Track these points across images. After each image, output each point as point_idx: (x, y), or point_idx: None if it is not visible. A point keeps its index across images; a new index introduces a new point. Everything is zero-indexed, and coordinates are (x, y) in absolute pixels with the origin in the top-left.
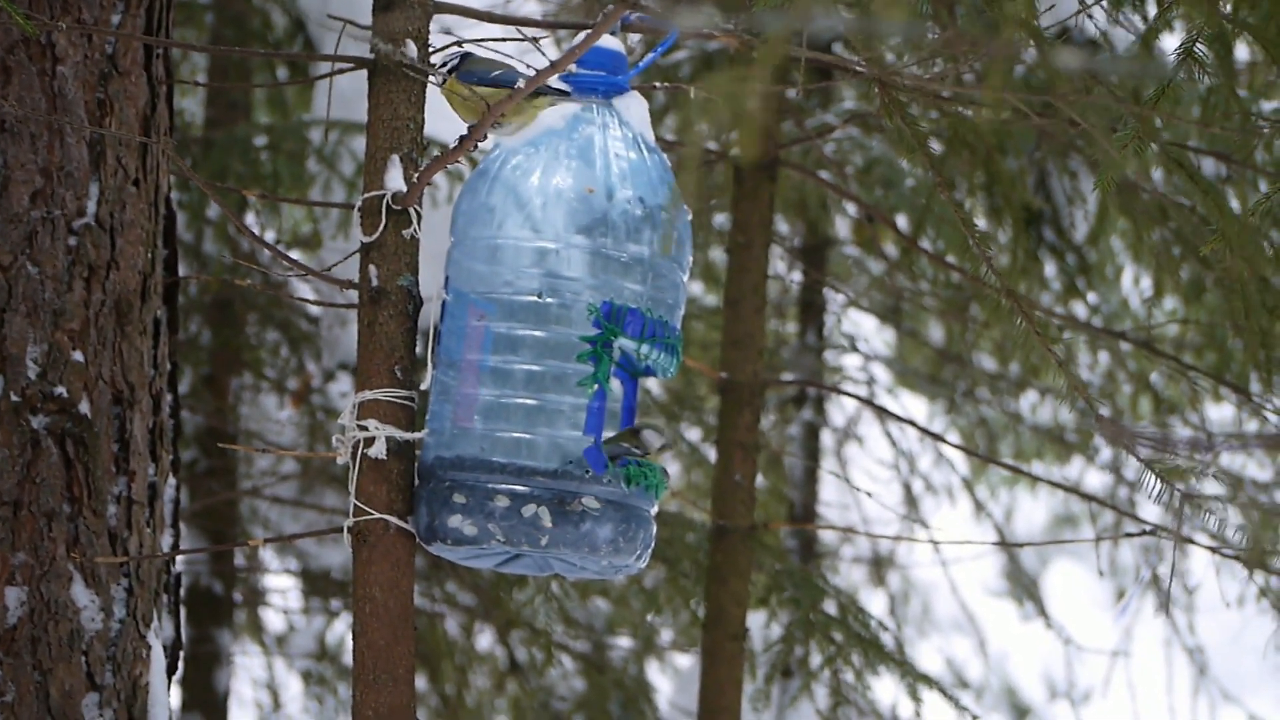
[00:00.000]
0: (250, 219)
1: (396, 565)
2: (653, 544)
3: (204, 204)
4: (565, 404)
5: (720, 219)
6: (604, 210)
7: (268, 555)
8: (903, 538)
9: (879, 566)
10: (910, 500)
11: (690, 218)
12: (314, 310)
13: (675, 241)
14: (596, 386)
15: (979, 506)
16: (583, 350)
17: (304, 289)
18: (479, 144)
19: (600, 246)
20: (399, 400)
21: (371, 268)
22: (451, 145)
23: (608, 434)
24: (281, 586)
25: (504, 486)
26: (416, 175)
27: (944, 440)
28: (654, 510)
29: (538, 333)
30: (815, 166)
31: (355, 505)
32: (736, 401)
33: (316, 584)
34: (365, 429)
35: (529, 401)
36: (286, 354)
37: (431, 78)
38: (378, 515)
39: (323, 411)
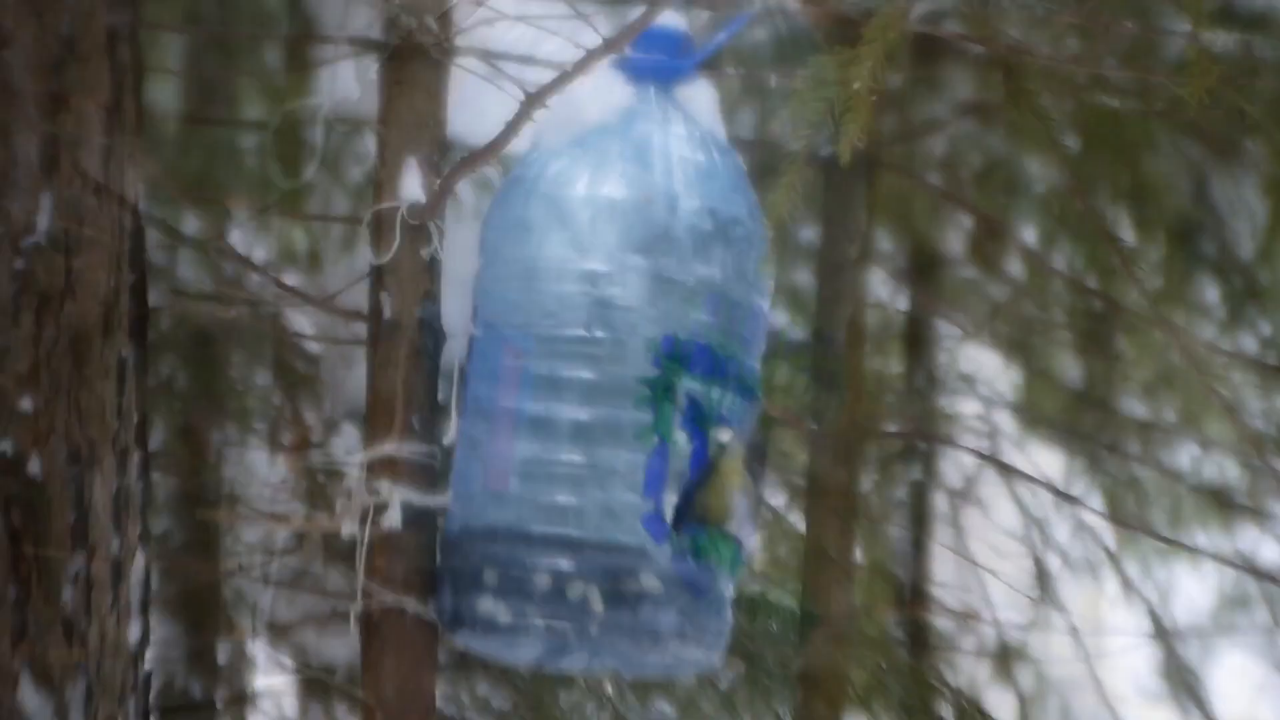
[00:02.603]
0: (236, 235)
1: (415, 660)
2: (728, 634)
3: (180, 217)
4: (620, 461)
5: (808, 233)
6: (665, 224)
7: (257, 649)
8: (1035, 625)
9: (1006, 660)
10: (1043, 579)
11: (772, 233)
12: (314, 347)
13: (753, 262)
14: (657, 439)
15: (1129, 586)
16: (640, 395)
17: (302, 321)
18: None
19: (661, 268)
20: (417, 457)
21: (383, 295)
22: (480, 146)
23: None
24: (274, 688)
25: (545, 562)
26: (438, 183)
27: (1084, 505)
28: (730, 592)
29: (586, 374)
30: (922, 169)
31: (364, 586)
32: (829, 458)
33: (316, 684)
34: (377, 493)
35: (575, 459)
36: (280, 401)
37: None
38: (392, 598)
39: (324, 472)
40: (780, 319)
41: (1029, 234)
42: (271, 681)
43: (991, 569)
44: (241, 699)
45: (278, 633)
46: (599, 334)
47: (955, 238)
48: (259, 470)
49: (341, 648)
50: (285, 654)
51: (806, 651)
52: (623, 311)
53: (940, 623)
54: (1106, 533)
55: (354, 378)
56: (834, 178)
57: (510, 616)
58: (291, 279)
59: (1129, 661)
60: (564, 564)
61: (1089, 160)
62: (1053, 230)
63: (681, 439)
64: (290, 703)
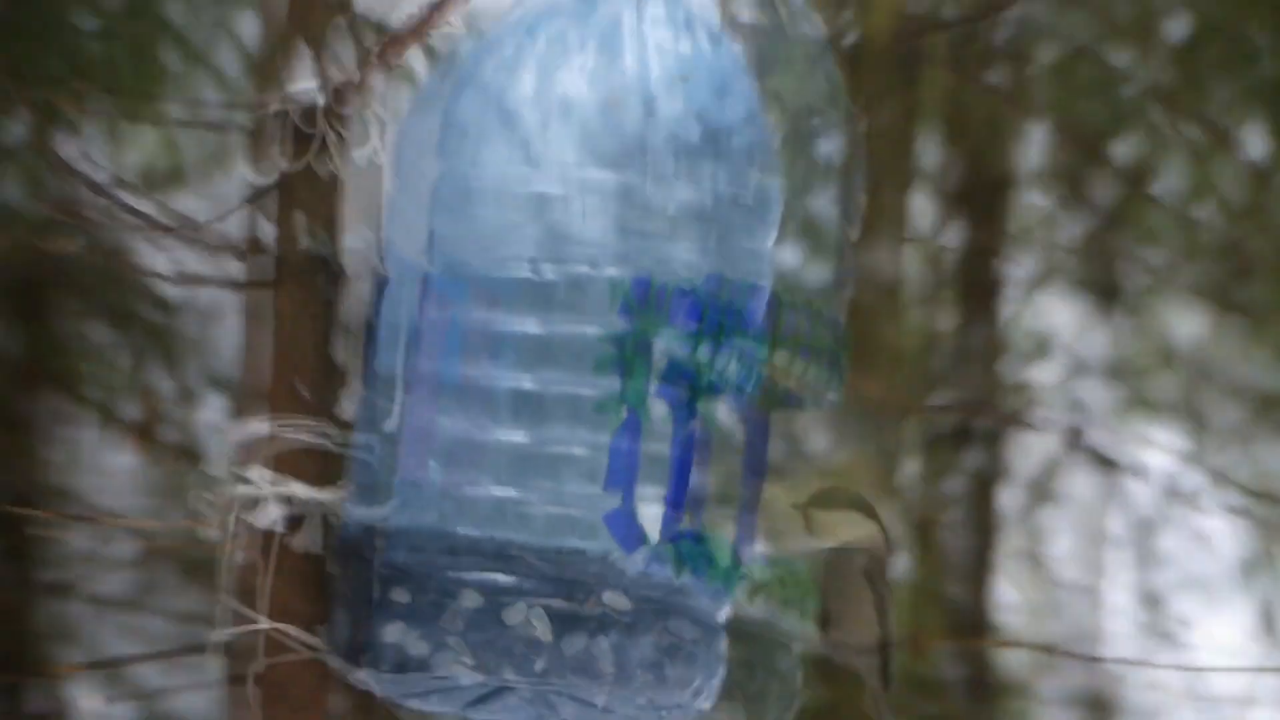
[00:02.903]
0: (69, 144)
1: (298, 707)
2: (721, 670)
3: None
4: (576, 442)
5: (829, 145)
6: (639, 133)
7: (82, 691)
8: (1140, 661)
9: (1102, 709)
10: (1150, 600)
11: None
12: (171, 292)
13: (754, 183)
14: (625, 412)
15: (1266, 610)
16: (603, 354)
17: (157, 257)
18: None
19: (632, 190)
20: (306, 438)
21: (265, 223)
22: (402, 27)
23: (651, 489)
24: None
25: (475, 576)
26: (342, 75)
27: (1205, 505)
28: (723, 614)
29: (531, 327)
30: (979, 65)
31: (230, 609)
32: (859, 438)
33: None
34: (250, 483)
35: (516, 439)
36: (124, 363)
37: None
38: (267, 624)
39: (181, 455)
40: (791, 257)
41: (1122, 149)
42: None
43: (1079, 587)
44: None
45: (112, 670)
46: (549, 275)
47: (1024, 153)
48: (94, 455)
49: (198, 689)
50: (120, 698)
51: (829, 695)
52: (581, 246)
53: (1010, 659)
54: (1233, 538)
55: (222, 333)
56: (862, 72)
57: (428, 648)
58: (146, 204)
59: (1267, 705)
60: (500, 578)
61: (1201, 50)
62: (1154, 144)
63: (659, 412)
64: None
